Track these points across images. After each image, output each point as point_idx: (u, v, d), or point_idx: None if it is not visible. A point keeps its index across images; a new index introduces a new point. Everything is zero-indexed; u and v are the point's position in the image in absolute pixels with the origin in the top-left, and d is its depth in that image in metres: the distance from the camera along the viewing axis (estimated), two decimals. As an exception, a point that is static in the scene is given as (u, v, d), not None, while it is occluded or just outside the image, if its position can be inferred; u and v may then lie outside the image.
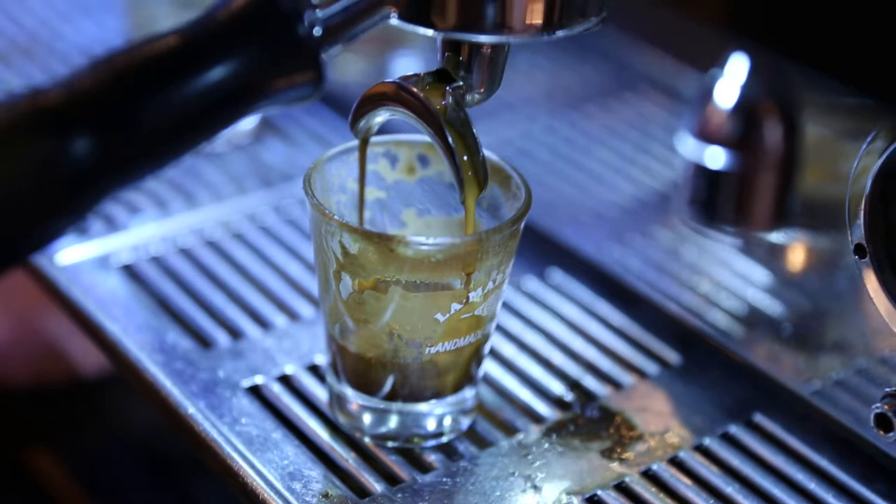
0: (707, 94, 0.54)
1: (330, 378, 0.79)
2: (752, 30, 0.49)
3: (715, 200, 0.55)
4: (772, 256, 0.89)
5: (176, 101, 0.60)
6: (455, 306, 0.73)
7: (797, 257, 0.89)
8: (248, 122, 1.04)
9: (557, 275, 0.93)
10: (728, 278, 0.89)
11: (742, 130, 0.54)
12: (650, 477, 0.77)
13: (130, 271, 0.91)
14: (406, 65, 1.08)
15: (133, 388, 0.84)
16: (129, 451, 1.09)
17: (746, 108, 0.54)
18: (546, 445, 0.78)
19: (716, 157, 0.54)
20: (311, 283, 0.90)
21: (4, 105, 0.59)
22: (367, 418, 0.77)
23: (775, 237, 0.87)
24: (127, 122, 0.59)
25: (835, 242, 0.82)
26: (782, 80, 0.52)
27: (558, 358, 0.86)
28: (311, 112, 1.07)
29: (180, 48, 0.61)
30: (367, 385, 0.77)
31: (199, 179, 1.01)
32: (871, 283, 0.71)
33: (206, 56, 0.61)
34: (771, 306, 0.86)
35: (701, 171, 0.55)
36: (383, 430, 0.77)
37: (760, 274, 0.88)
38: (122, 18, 1.10)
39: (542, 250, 0.94)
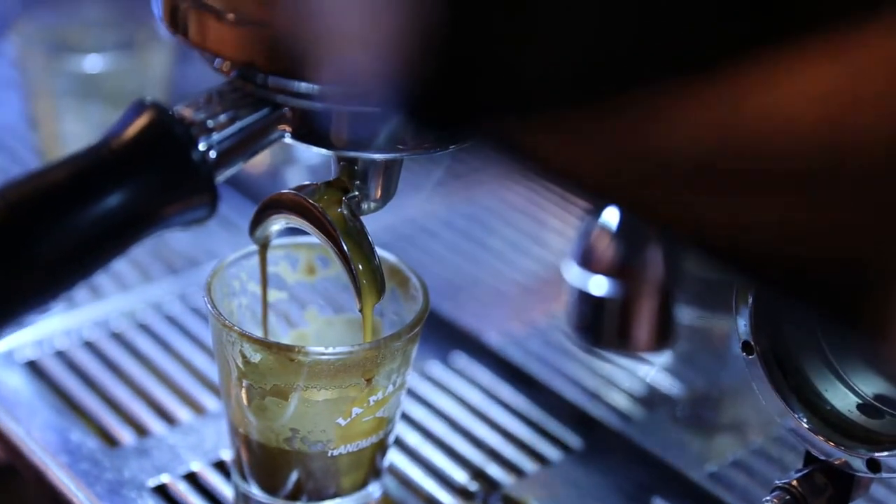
0: (590, 226, 0.56)
1: (234, 476, 0.79)
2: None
3: (599, 326, 0.57)
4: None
5: (71, 232, 0.61)
6: (356, 410, 0.74)
7: (694, 340, 0.92)
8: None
9: (461, 358, 0.94)
10: (626, 361, 0.91)
11: (623, 259, 0.56)
12: (553, 568, 0.79)
13: (35, 367, 0.92)
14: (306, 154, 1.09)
15: (31, 489, 0.85)
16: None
17: (627, 236, 0.56)
18: (450, 538, 0.80)
19: (599, 285, 0.56)
20: (216, 375, 0.91)
21: None
22: (272, 518, 0.78)
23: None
24: (22, 253, 0.60)
25: (727, 325, 0.84)
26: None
27: (462, 446, 0.87)
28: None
29: (74, 179, 0.61)
30: (271, 484, 0.78)
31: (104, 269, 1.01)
32: (759, 378, 0.73)
33: (100, 186, 0.61)
34: (668, 388, 0.89)
35: (585, 298, 0.56)
36: (289, 529, 0.78)
37: (658, 357, 0.91)
38: (25, 105, 1.10)
39: (445, 334, 0.96)
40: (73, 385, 0.90)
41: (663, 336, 0.57)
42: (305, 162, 1.08)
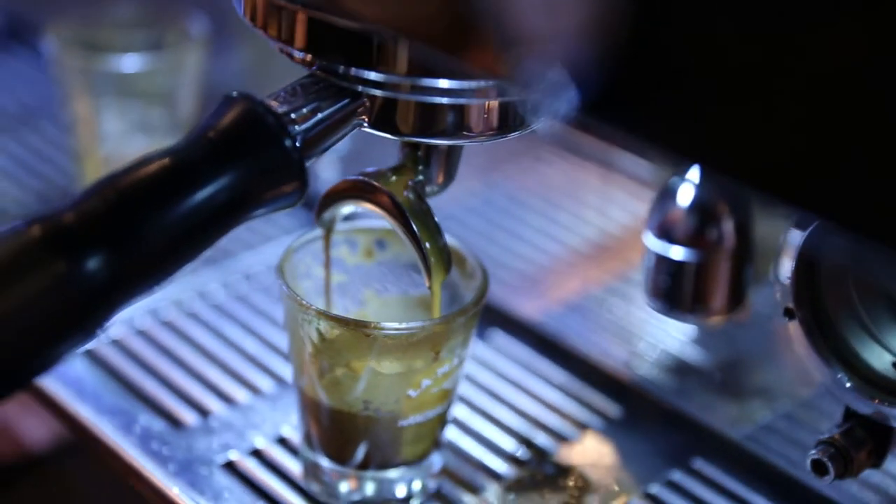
0: (667, 197, 0.61)
1: (304, 450, 0.84)
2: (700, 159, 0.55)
3: (675, 292, 0.62)
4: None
5: (175, 217, 0.65)
6: (425, 382, 0.78)
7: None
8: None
9: (499, 335, 0.99)
10: (658, 332, 0.96)
11: (698, 229, 0.61)
12: (607, 526, 0.84)
13: (93, 356, 0.95)
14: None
15: (100, 466, 0.88)
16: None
17: (702, 208, 0.61)
18: (508, 502, 0.85)
19: (676, 253, 0.61)
20: (268, 358, 0.95)
21: (16, 229, 0.63)
22: (342, 487, 0.83)
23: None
24: (134, 238, 0.64)
25: (757, 295, 0.89)
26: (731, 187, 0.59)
27: (508, 417, 0.92)
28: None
29: (177, 167, 0.65)
30: (340, 455, 0.82)
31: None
32: (800, 341, 0.78)
33: (201, 174, 0.65)
34: (701, 356, 0.94)
35: (662, 266, 0.61)
36: (357, 497, 0.83)
37: (689, 326, 0.96)
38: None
39: (482, 313, 1.00)
40: (132, 371, 0.94)
41: (735, 301, 0.62)
42: (336, 153, 1.12)
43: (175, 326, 0.99)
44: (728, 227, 0.60)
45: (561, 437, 0.90)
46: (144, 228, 0.64)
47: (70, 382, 0.92)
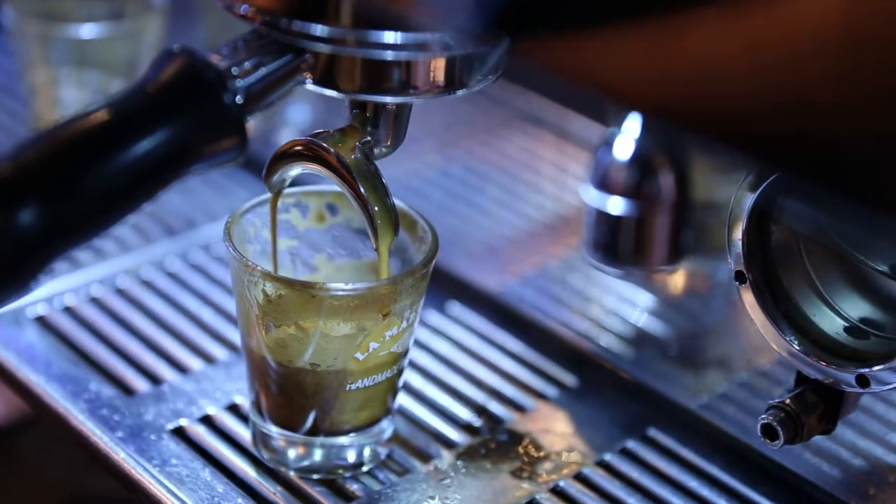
0: (606, 148, 0.60)
1: (254, 416, 0.83)
2: (642, 104, 0.55)
3: (616, 244, 0.61)
4: (655, 281, 0.96)
5: (113, 170, 0.64)
6: (373, 345, 0.78)
7: (680, 281, 0.96)
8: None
9: (457, 307, 0.98)
10: (615, 303, 0.95)
11: (638, 181, 0.60)
12: (558, 493, 0.83)
13: (45, 323, 0.94)
14: (297, 114, 1.12)
15: (52, 435, 0.88)
16: (42, 494, 1.11)
17: (642, 160, 0.60)
18: (460, 469, 0.84)
19: (615, 206, 0.60)
20: (223, 327, 0.95)
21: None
22: (291, 453, 0.82)
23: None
24: (69, 191, 0.63)
25: (712, 266, 0.89)
26: (672, 136, 0.59)
27: (464, 386, 0.91)
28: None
29: (115, 120, 0.65)
30: (289, 422, 0.81)
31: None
32: (752, 305, 0.77)
33: (139, 127, 0.65)
34: (657, 327, 0.93)
35: (602, 218, 0.61)
36: (307, 463, 0.82)
37: (645, 297, 0.95)
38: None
39: (440, 285, 0.99)
40: (83, 339, 0.93)
41: (675, 253, 0.61)
42: (297, 125, 1.11)
43: (130, 295, 0.98)
44: (667, 178, 0.60)
45: (516, 406, 0.90)
46: (80, 181, 0.63)
47: (21, 349, 0.91)
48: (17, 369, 0.89)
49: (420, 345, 0.94)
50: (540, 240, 0.99)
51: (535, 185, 0.99)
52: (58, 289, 0.97)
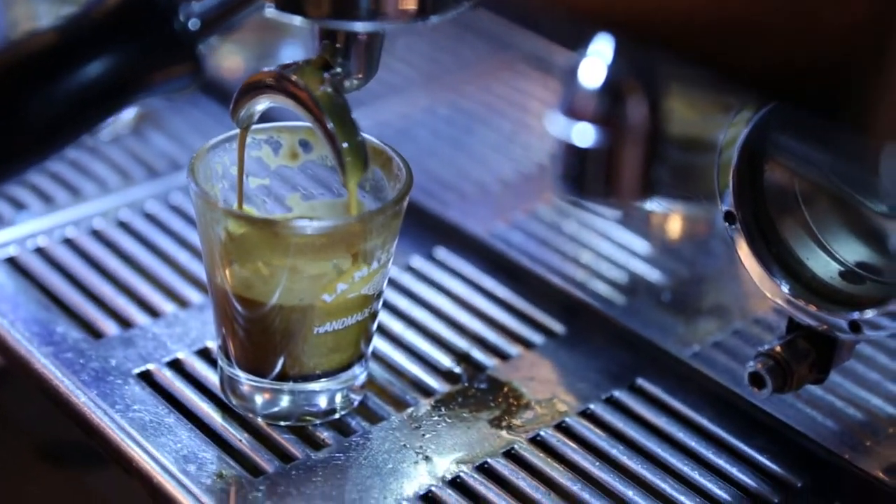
0: (574, 74, 0.56)
1: (221, 361, 0.80)
2: (612, 20, 0.52)
3: (585, 175, 0.57)
4: (650, 227, 0.92)
5: (57, 96, 0.61)
6: (341, 286, 0.74)
7: (674, 227, 0.92)
8: (128, 113, 1.04)
9: (443, 253, 0.95)
10: (609, 249, 0.92)
11: (608, 108, 0.56)
12: (538, 443, 0.79)
13: (15, 264, 0.91)
14: (288, 53, 1.09)
15: (10, 375, 0.85)
16: (16, 442, 1.09)
17: (612, 86, 0.56)
18: (436, 417, 0.80)
19: (583, 134, 0.56)
20: (200, 270, 0.91)
21: None
22: (259, 399, 0.79)
23: (652, 207, 0.91)
24: (10, 117, 0.60)
25: (708, 211, 0.85)
26: (647, 59, 0.55)
27: (446, 333, 0.87)
28: (192, 102, 1.08)
29: (58, 45, 0.62)
30: (257, 367, 0.78)
31: (84, 173, 1.01)
32: (742, 248, 0.73)
33: (83, 52, 0.62)
34: (650, 274, 0.89)
35: (570, 148, 0.57)
36: (276, 410, 0.79)
37: (639, 244, 0.91)
38: (2, 13, 1.09)
39: (428, 230, 0.96)
40: (55, 281, 0.90)
41: (648, 185, 0.57)
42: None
43: (105, 237, 0.95)
44: (640, 106, 0.56)
45: (499, 354, 0.86)
46: (21, 107, 0.60)
47: (-11, 291, 0.88)
48: (-17, 311, 0.86)
49: (403, 290, 0.91)
50: (531, 184, 0.95)
51: (529, 128, 0.95)
52: (31, 230, 0.94)
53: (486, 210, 0.97)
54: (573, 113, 0.57)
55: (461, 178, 0.99)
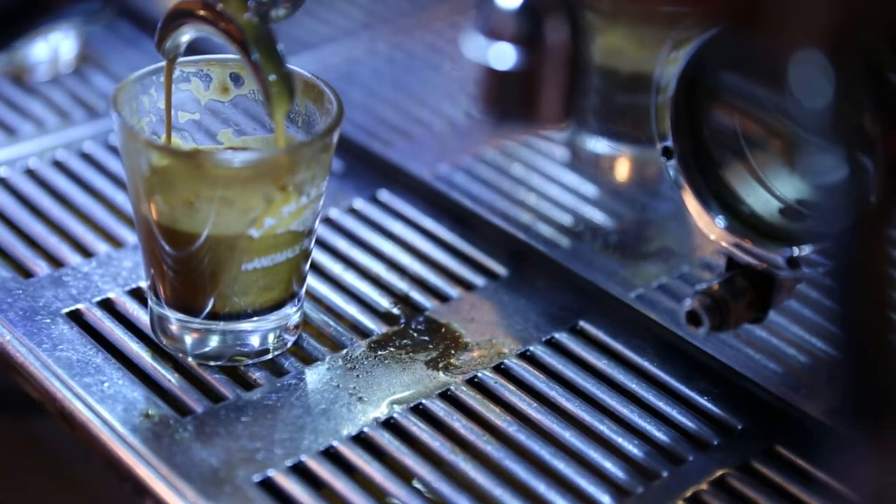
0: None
1: (151, 301, 0.78)
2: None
3: (504, 97, 0.55)
4: (596, 169, 0.90)
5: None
6: (269, 221, 0.72)
7: (621, 169, 0.90)
8: (69, 53, 1.01)
9: (386, 195, 0.93)
10: (554, 191, 0.90)
11: (528, 28, 0.54)
12: (475, 384, 0.78)
13: (-56, 203, 0.89)
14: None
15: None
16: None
17: (532, 5, 0.54)
18: (372, 359, 0.79)
19: (503, 55, 0.54)
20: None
21: None
22: (188, 339, 0.77)
23: (598, 149, 0.89)
24: None
25: (655, 152, 0.83)
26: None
27: (386, 275, 0.86)
28: (134, 43, 1.05)
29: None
30: (187, 306, 0.76)
31: (21, 112, 0.99)
32: (681, 184, 0.72)
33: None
34: (596, 217, 0.88)
35: (489, 70, 0.55)
36: (206, 349, 0.77)
37: (586, 187, 0.89)
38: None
39: (371, 172, 0.94)
40: (-14, 220, 0.88)
41: (567, 107, 0.55)
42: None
43: (39, 176, 0.93)
44: (559, 26, 0.54)
45: (439, 296, 0.84)
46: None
47: (-83, 230, 0.86)
48: None
49: (344, 232, 0.89)
50: (476, 125, 0.93)
51: (469, 81, 0.93)
52: (-36, 169, 0.92)
53: (431, 152, 0.95)
54: (492, 33, 0.55)
55: (406, 119, 0.97)
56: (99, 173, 0.93)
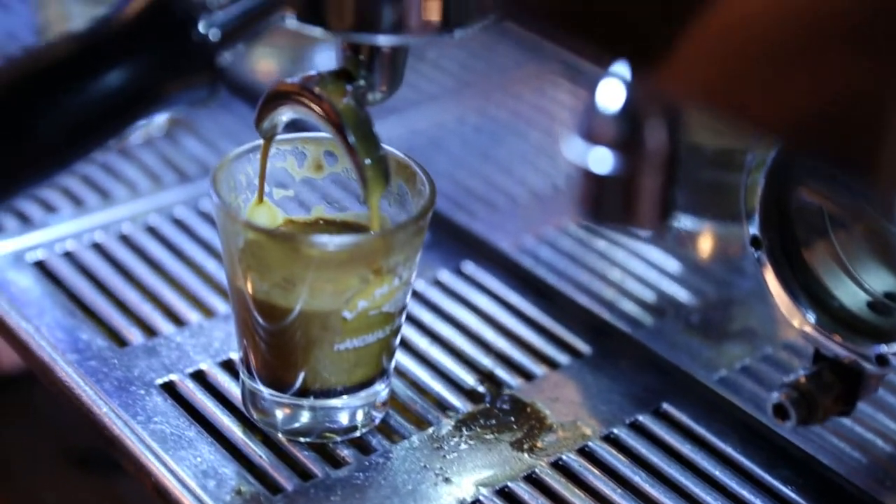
0: (593, 97, 0.55)
1: (243, 374, 0.79)
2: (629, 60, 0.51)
3: (600, 201, 0.56)
4: (679, 245, 0.91)
5: (72, 107, 0.61)
6: (362, 303, 0.73)
7: (705, 247, 0.91)
8: (161, 117, 1.04)
9: (471, 267, 0.94)
10: (639, 268, 0.90)
11: (626, 132, 0.55)
12: (560, 467, 0.78)
13: (43, 268, 0.91)
14: (322, 56, 1.08)
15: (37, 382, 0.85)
16: (47, 444, 1.09)
17: (631, 110, 0.55)
18: (458, 438, 0.79)
19: (601, 159, 0.55)
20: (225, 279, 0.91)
21: None
22: (279, 414, 0.78)
23: (682, 226, 0.89)
24: (24, 129, 0.60)
25: (738, 230, 0.83)
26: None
27: (471, 350, 0.86)
28: (225, 106, 1.07)
29: (75, 57, 0.61)
30: (278, 381, 0.77)
31: (115, 176, 1.01)
32: (768, 274, 0.72)
33: (100, 64, 0.61)
34: (680, 295, 0.88)
35: (586, 173, 0.56)
36: (296, 425, 0.78)
37: (670, 264, 0.90)
38: (34, 13, 1.09)
39: (456, 243, 0.95)
40: (81, 286, 0.90)
41: (665, 211, 0.56)
42: (314, 69, 1.07)
43: (133, 242, 0.94)
44: (659, 130, 0.54)
45: (524, 373, 0.85)
46: (36, 118, 0.60)
47: (15, 295, 0.88)
48: (9, 315, 0.86)
49: (428, 304, 0.90)
50: (561, 198, 0.94)
51: (560, 140, 0.94)
52: (60, 234, 0.94)
53: (515, 223, 0.96)
54: (591, 136, 0.56)
55: (491, 189, 0.98)
56: (190, 239, 0.95)
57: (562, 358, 0.86)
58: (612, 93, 0.56)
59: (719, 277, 0.89)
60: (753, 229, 0.71)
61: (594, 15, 0.44)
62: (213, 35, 0.63)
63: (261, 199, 0.77)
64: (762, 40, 0.43)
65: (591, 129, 0.56)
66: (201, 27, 0.63)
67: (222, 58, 0.64)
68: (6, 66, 0.60)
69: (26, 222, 0.95)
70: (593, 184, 0.56)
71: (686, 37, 0.45)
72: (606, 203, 0.56)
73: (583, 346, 0.87)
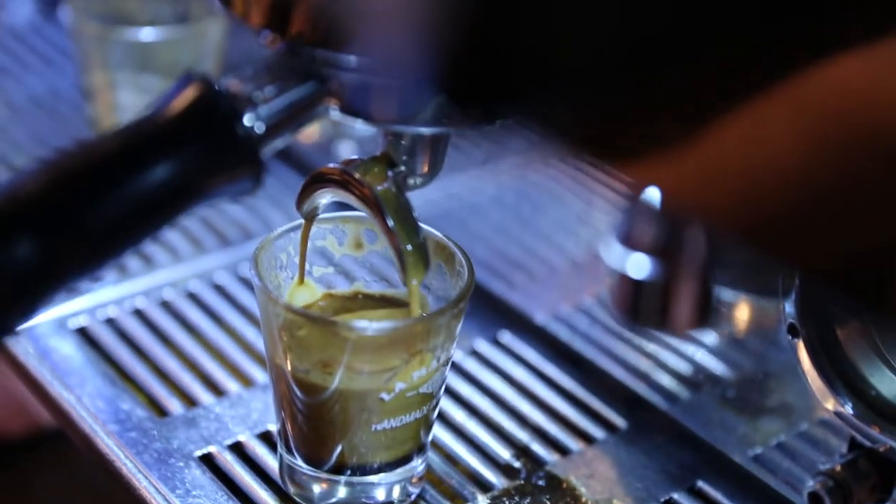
0: (632, 205, 0.56)
1: (280, 448, 0.80)
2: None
3: (639, 305, 0.57)
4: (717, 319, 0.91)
5: (118, 203, 0.62)
6: (399, 385, 0.74)
7: (742, 321, 0.91)
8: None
9: (508, 337, 0.94)
10: (674, 341, 0.91)
11: (663, 238, 0.56)
12: (594, 546, 0.79)
13: (85, 335, 0.93)
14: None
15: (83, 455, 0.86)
16: (82, 500, 1.10)
17: (668, 216, 0.56)
18: (492, 514, 0.80)
19: (639, 264, 0.56)
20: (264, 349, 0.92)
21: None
22: (316, 489, 0.79)
23: (721, 299, 0.90)
24: (70, 224, 0.61)
25: (776, 305, 0.84)
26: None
27: (507, 423, 0.87)
28: (268, 170, 1.08)
29: (122, 152, 0.62)
30: (315, 457, 0.78)
31: (157, 240, 1.02)
32: (804, 362, 0.72)
33: (146, 159, 0.62)
34: (715, 368, 0.88)
35: (625, 278, 0.56)
36: (333, 500, 0.79)
37: (706, 337, 0.90)
38: (79, 73, 1.11)
39: (492, 312, 0.96)
40: (123, 354, 0.91)
41: (703, 315, 0.57)
42: (356, 136, 1.08)
43: (174, 308, 0.96)
44: (696, 237, 0.55)
45: (559, 448, 0.85)
46: (82, 214, 0.61)
47: (57, 362, 0.89)
48: (51, 385, 0.87)
49: (465, 374, 0.91)
50: (598, 272, 0.95)
51: (590, 216, 0.94)
52: (102, 299, 0.96)
53: (551, 293, 0.96)
54: (629, 242, 0.56)
55: (527, 257, 0.99)
56: (230, 306, 0.96)
57: (597, 432, 0.87)
58: (650, 198, 0.56)
59: (754, 351, 0.89)
60: (790, 318, 0.72)
61: (629, 147, 0.45)
62: (258, 128, 0.65)
63: (301, 281, 0.78)
64: (800, 182, 0.43)
65: (630, 234, 0.56)
66: (246, 120, 0.64)
67: (267, 150, 0.65)
68: (56, 160, 0.61)
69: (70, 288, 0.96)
70: (631, 289, 0.57)
71: (720, 169, 0.45)
72: (645, 307, 0.57)
73: (618, 420, 0.88)
